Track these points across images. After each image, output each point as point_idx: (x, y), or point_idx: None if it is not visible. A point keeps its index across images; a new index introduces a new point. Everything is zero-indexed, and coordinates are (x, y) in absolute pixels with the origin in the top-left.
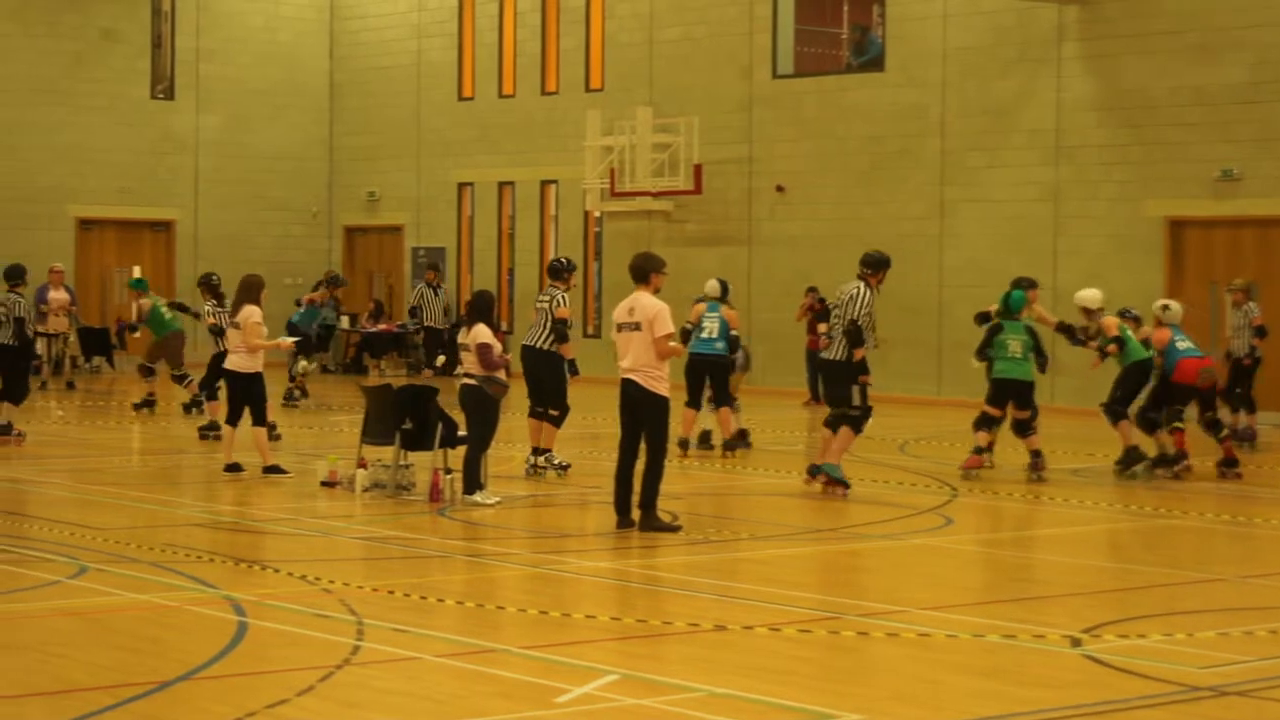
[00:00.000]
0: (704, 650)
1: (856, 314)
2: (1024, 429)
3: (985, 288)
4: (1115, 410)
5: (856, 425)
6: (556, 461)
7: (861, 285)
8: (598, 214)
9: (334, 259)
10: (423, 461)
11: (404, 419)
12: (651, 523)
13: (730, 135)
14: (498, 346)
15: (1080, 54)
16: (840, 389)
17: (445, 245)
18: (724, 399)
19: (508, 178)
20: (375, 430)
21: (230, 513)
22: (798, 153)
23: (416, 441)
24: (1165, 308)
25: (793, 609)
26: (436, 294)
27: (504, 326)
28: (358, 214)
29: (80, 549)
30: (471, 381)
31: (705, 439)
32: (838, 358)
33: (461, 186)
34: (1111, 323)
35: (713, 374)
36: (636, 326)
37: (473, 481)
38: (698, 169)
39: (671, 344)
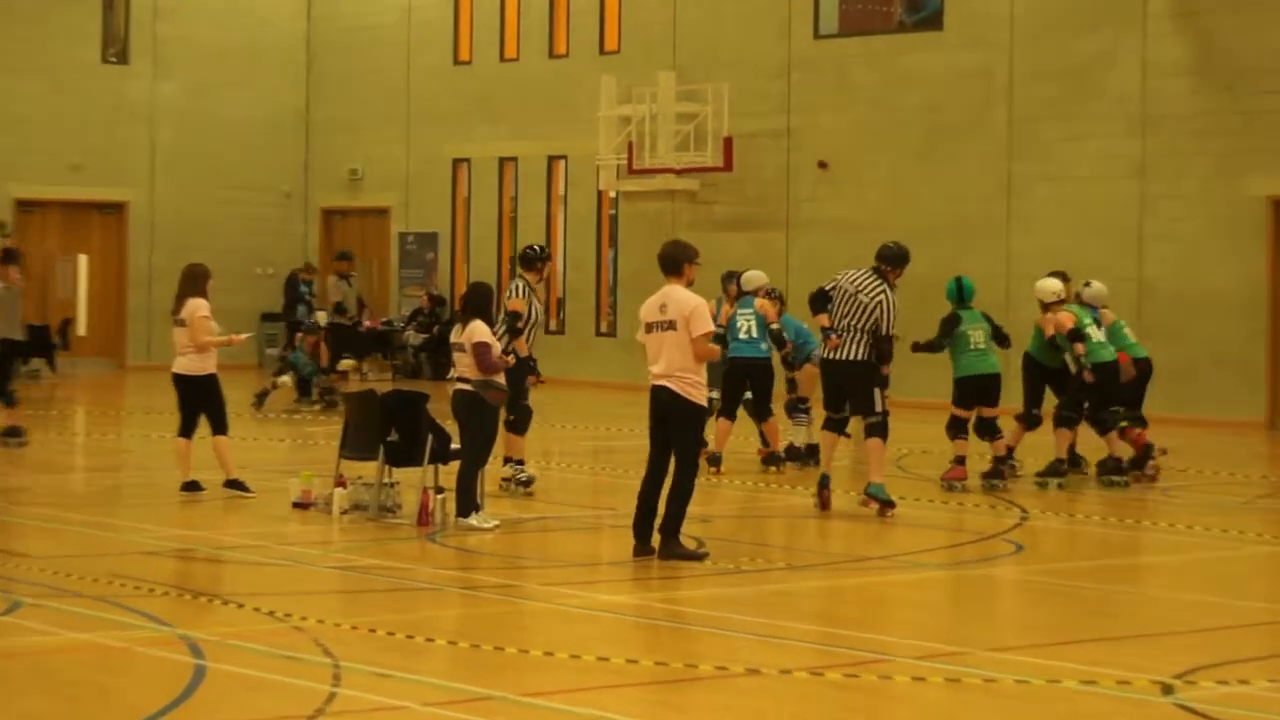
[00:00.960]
0: (735, 698)
1: (889, 324)
2: (991, 430)
3: None
4: (1065, 418)
5: (884, 433)
6: (523, 476)
7: (883, 285)
8: (613, 194)
9: (310, 245)
10: (410, 479)
11: (389, 430)
12: (674, 550)
13: (765, 104)
14: (497, 346)
15: (1169, 10)
16: (863, 393)
17: (438, 230)
18: (767, 409)
19: (510, 153)
20: (355, 443)
21: (187, 538)
22: (843, 124)
23: (403, 456)
24: (1087, 285)
25: (837, 649)
26: (351, 286)
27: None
28: (338, 194)
29: (12, 581)
30: (467, 387)
31: (715, 460)
32: (855, 357)
33: (457, 163)
34: (1067, 318)
35: (755, 380)
36: (670, 325)
37: (468, 502)
38: (728, 143)
39: (711, 345)
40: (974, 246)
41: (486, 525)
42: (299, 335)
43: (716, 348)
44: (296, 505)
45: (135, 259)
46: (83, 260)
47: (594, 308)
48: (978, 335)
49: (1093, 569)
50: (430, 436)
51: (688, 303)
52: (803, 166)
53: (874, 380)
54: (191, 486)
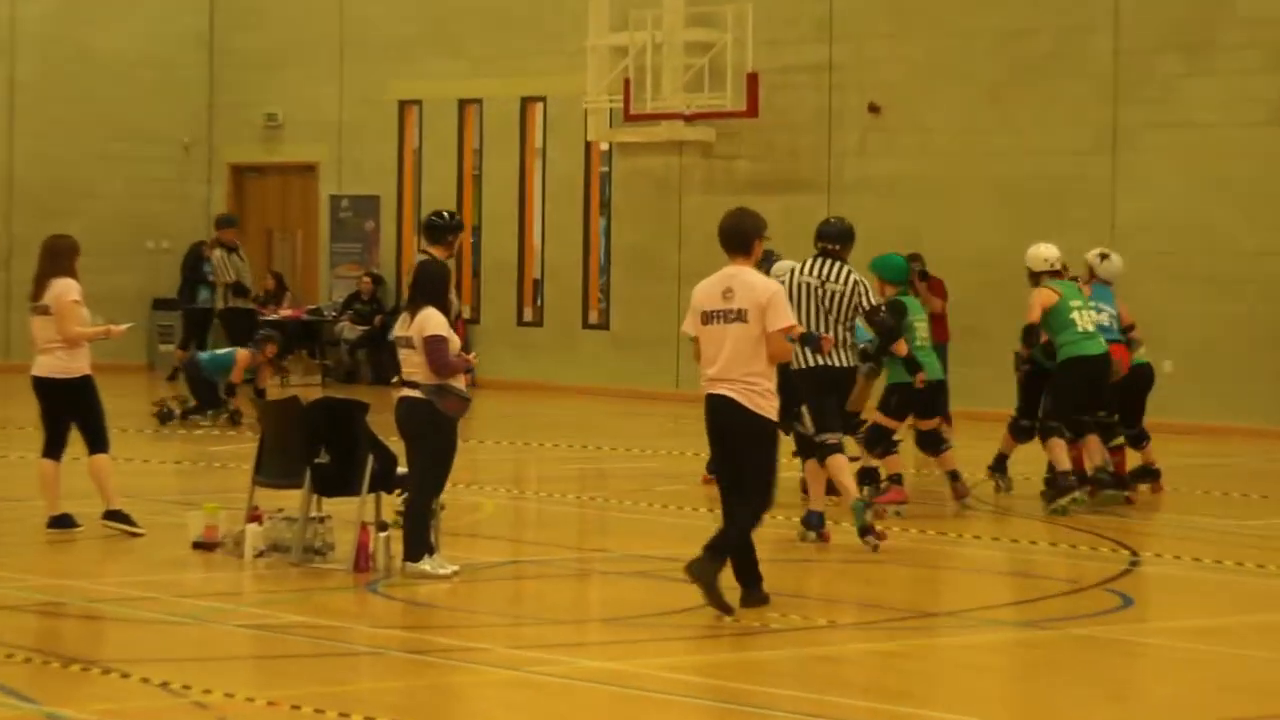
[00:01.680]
0: None
1: (872, 297)
2: (937, 444)
3: (1177, 254)
4: (1049, 428)
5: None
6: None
7: (848, 266)
8: (605, 147)
9: (215, 211)
10: (345, 513)
11: (317, 450)
12: (711, 575)
13: (800, 31)
14: (455, 342)
15: None
16: (843, 405)
17: (379, 192)
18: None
19: (472, 93)
20: (274, 466)
21: (55, 589)
22: (900, 56)
23: (335, 483)
24: (1103, 258)
25: None
26: (243, 260)
27: (465, 312)
28: (251, 147)
29: None
30: (416, 394)
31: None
32: (842, 363)
33: (404, 106)
34: (1044, 296)
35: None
36: (738, 316)
37: (419, 542)
38: (752, 81)
39: (788, 343)
40: (1067, 213)
41: (442, 571)
42: (251, 352)
43: (792, 348)
44: (198, 546)
45: None
46: None
47: (580, 293)
48: (923, 329)
49: (1221, 628)
50: (370, 458)
51: (763, 288)
52: (849, 111)
53: (847, 390)
54: (62, 522)
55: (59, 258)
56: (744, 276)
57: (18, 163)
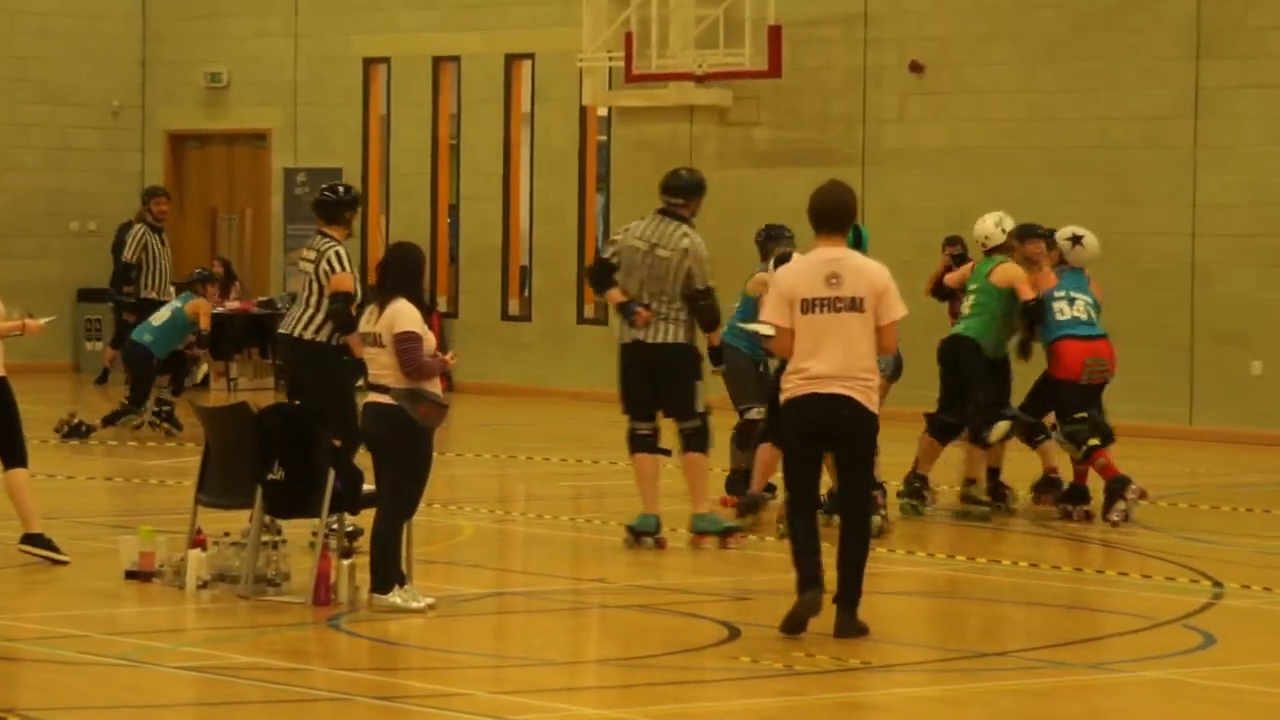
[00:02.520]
0: None
1: (703, 276)
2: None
3: (1268, 236)
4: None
5: (706, 444)
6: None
7: (684, 227)
8: (603, 111)
9: (149, 186)
10: (302, 537)
11: (270, 464)
12: (856, 625)
13: None
14: (431, 340)
15: None
16: (680, 388)
17: (342, 165)
18: None
19: (449, 49)
20: (220, 483)
21: None
22: (946, 7)
23: (292, 502)
24: (1076, 240)
25: None
26: (164, 243)
27: (441, 305)
28: (191, 111)
29: None
30: (385, 400)
31: (753, 505)
32: (670, 339)
33: (370, 65)
34: (1011, 275)
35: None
36: (853, 305)
37: (389, 571)
38: (774, 35)
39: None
40: (1144, 187)
41: (415, 604)
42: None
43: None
44: (132, 575)
45: None
46: None
47: (574, 282)
48: None
49: None
50: (332, 473)
51: (878, 273)
52: (887, 70)
53: (694, 370)
54: None
55: None
56: (852, 260)
57: None
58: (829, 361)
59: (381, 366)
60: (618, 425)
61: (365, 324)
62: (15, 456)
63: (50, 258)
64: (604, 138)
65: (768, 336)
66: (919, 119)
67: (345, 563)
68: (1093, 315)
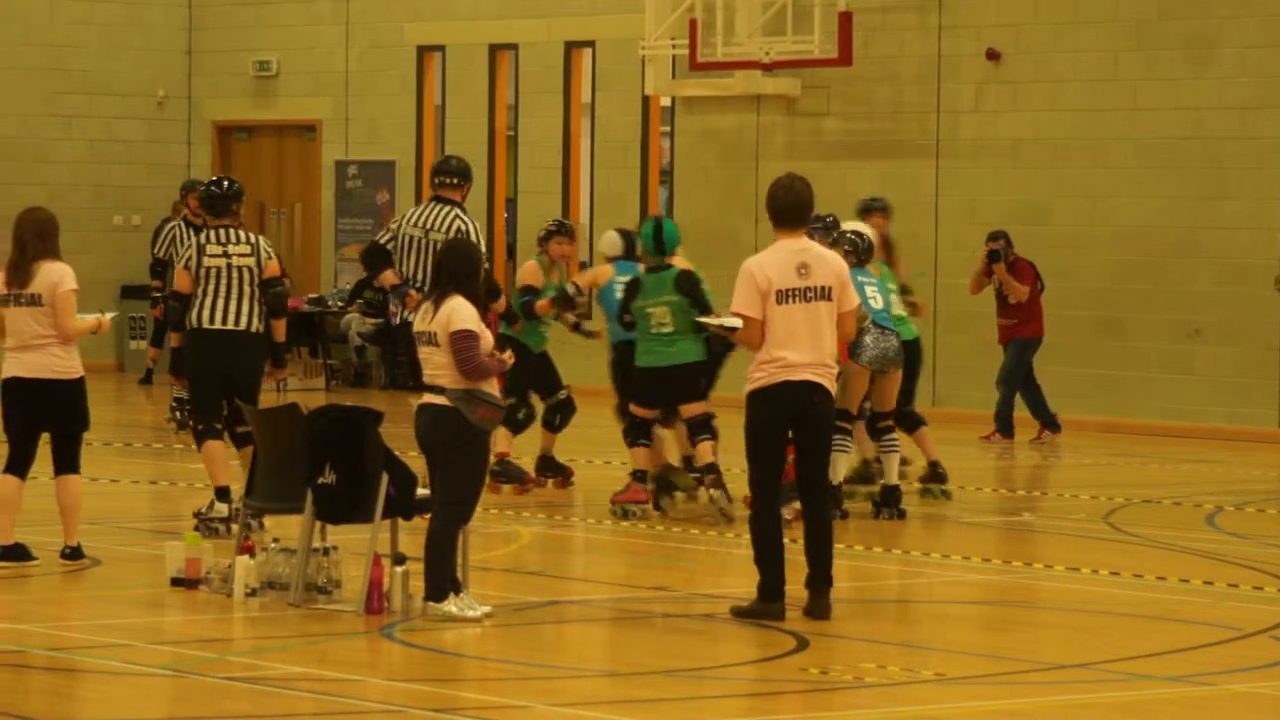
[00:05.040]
0: None
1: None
2: (698, 430)
3: None
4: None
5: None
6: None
7: (456, 211)
8: (666, 101)
9: (197, 178)
10: (354, 543)
11: (320, 468)
12: (826, 607)
13: None
14: (488, 338)
15: None
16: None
17: (395, 157)
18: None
19: (506, 38)
20: (270, 489)
21: (8, 634)
22: None
23: (343, 508)
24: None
25: None
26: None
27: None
28: (238, 102)
29: None
30: (441, 401)
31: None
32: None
33: (424, 53)
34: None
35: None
36: (824, 294)
37: (443, 579)
38: (845, 21)
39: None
40: (1233, 180)
41: (471, 613)
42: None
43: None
44: (178, 583)
45: None
46: None
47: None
48: (661, 312)
49: None
50: (385, 478)
51: (838, 262)
52: (963, 58)
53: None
54: (14, 554)
55: (47, 237)
56: (816, 250)
57: None
58: (801, 350)
59: (436, 366)
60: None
61: (420, 322)
62: (74, 461)
63: (93, 253)
64: (667, 129)
65: (733, 329)
66: (996, 109)
67: (399, 570)
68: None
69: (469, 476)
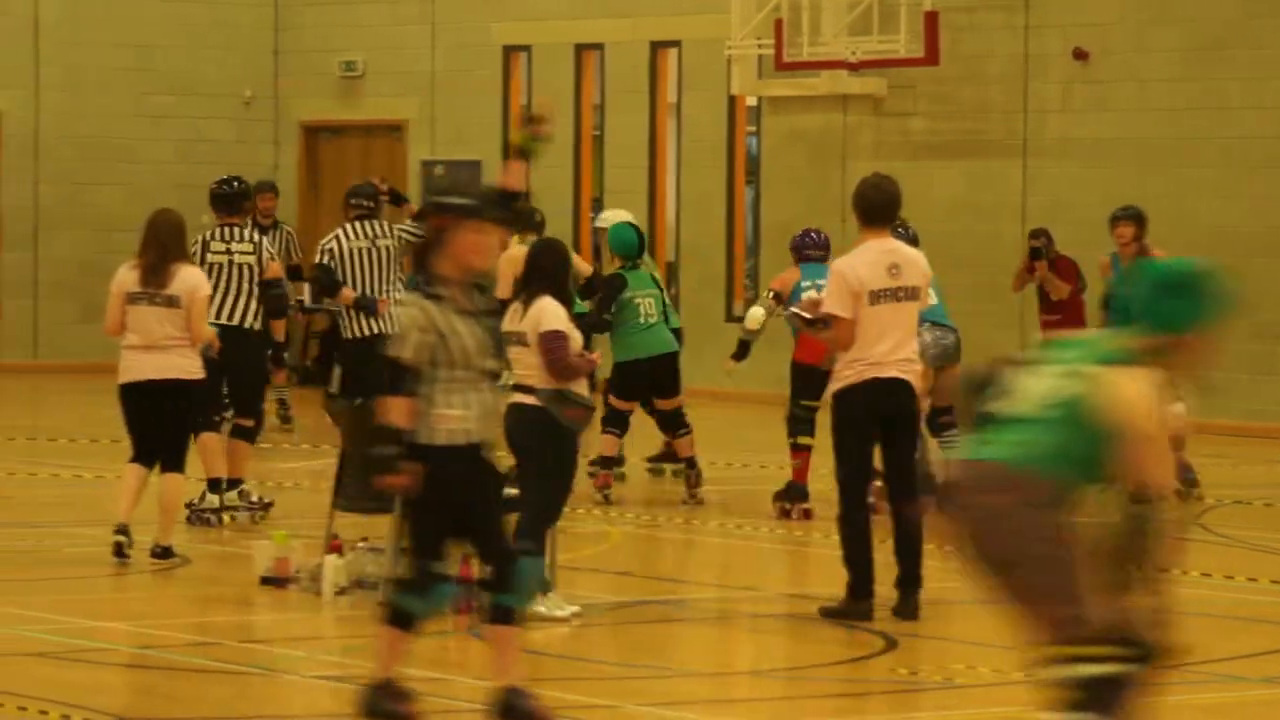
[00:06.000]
0: None
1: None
2: (676, 423)
3: None
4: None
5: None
6: (255, 499)
7: (382, 221)
8: (753, 101)
9: (283, 178)
10: None
11: None
12: (915, 608)
13: None
14: (577, 339)
15: None
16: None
17: (481, 157)
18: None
19: (592, 37)
20: (358, 488)
21: (98, 632)
22: None
23: None
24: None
25: None
26: (276, 238)
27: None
28: (325, 102)
29: None
30: (530, 400)
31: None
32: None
33: (510, 53)
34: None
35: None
36: (911, 294)
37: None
38: (932, 21)
39: None
40: None
41: (559, 613)
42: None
43: None
44: (267, 581)
45: (11, 200)
46: None
47: (723, 279)
48: (648, 303)
49: None
50: None
51: (925, 264)
52: (1050, 58)
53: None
54: (123, 535)
55: (181, 239)
56: (905, 251)
57: (43, 121)
58: (889, 348)
59: (526, 367)
60: (767, 426)
61: (509, 323)
62: (182, 460)
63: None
64: (753, 129)
65: (824, 326)
66: (1083, 108)
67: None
68: None
69: (558, 476)
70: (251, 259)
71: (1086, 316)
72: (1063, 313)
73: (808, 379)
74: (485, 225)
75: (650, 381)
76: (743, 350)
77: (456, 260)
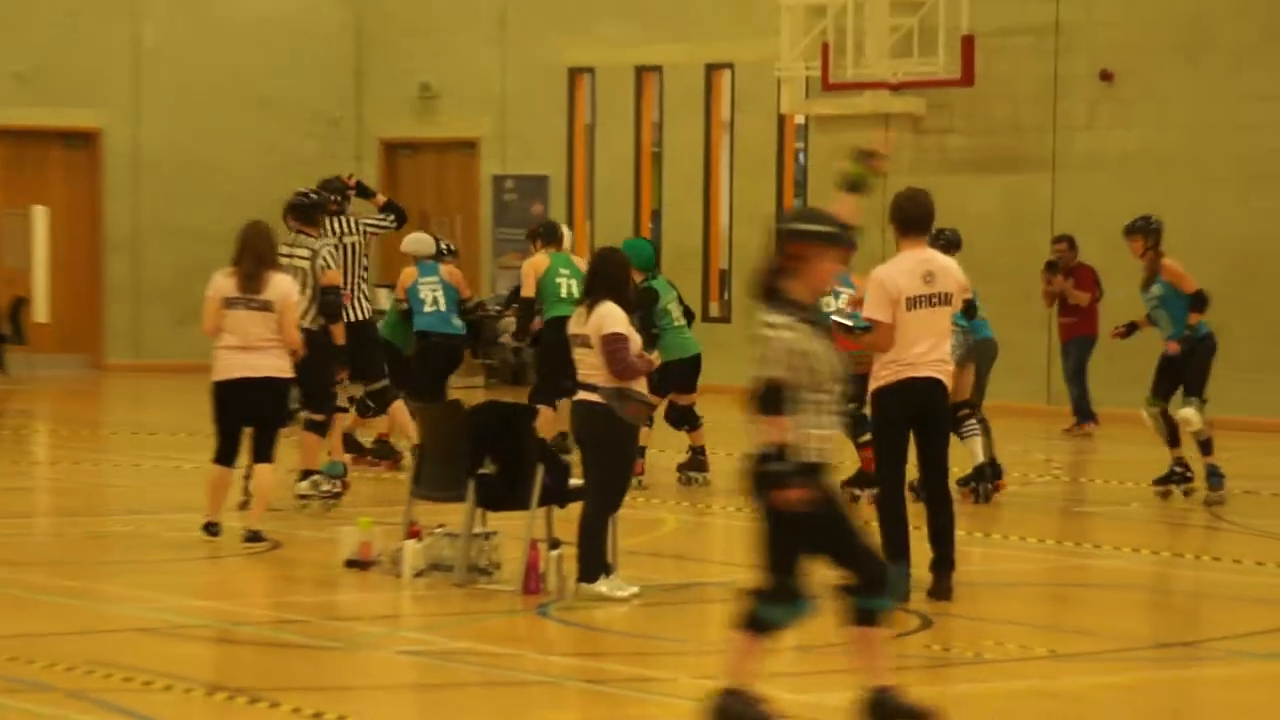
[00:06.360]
0: None
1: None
2: (692, 419)
3: None
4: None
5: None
6: (324, 489)
7: (305, 238)
8: (800, 119)
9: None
10: (513, 529)
11: (481, 459)
12: (949, 589)
13: None
14: (637, 341)
15: None
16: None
17: (548, 172)
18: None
19: (651, 60)
20: (435, 478)
21: (196, 610)
22: (1135, 17)
23: (502, 496)
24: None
25: None
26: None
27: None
28: (404, 121)
29: None
30: (593, 398)
31: None
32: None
33: (575, 75)
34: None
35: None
36: (945, 300)
37: (595, 561)
38: (968, 44)
39: None
40: None
41: (621, 593)
42: None
43: None
44: (351, 564)
45: (115, 212)
46: (39, 214)
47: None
48: (677, 310)
49: None
50: (540, 468)
51: (960, 272)
52: (1077, 78)
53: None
54: (210, 530)
55: (271, 248)
56: (940, 260)
57: (143, 140)
58: (925, 350)
59: (589, 366)
60: None
61: (574, 325)
62: (272, 451)
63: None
64: (801, 144)
65: (864, 330)
66: (1108, 125)
67: (554, 553)
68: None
69: (619, 467)
70: (305, 264)
71: (1099, 322)
72: (1078, 315)
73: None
74: (842, 253)
75: (678, 379)
76: None
77: (812, 285)
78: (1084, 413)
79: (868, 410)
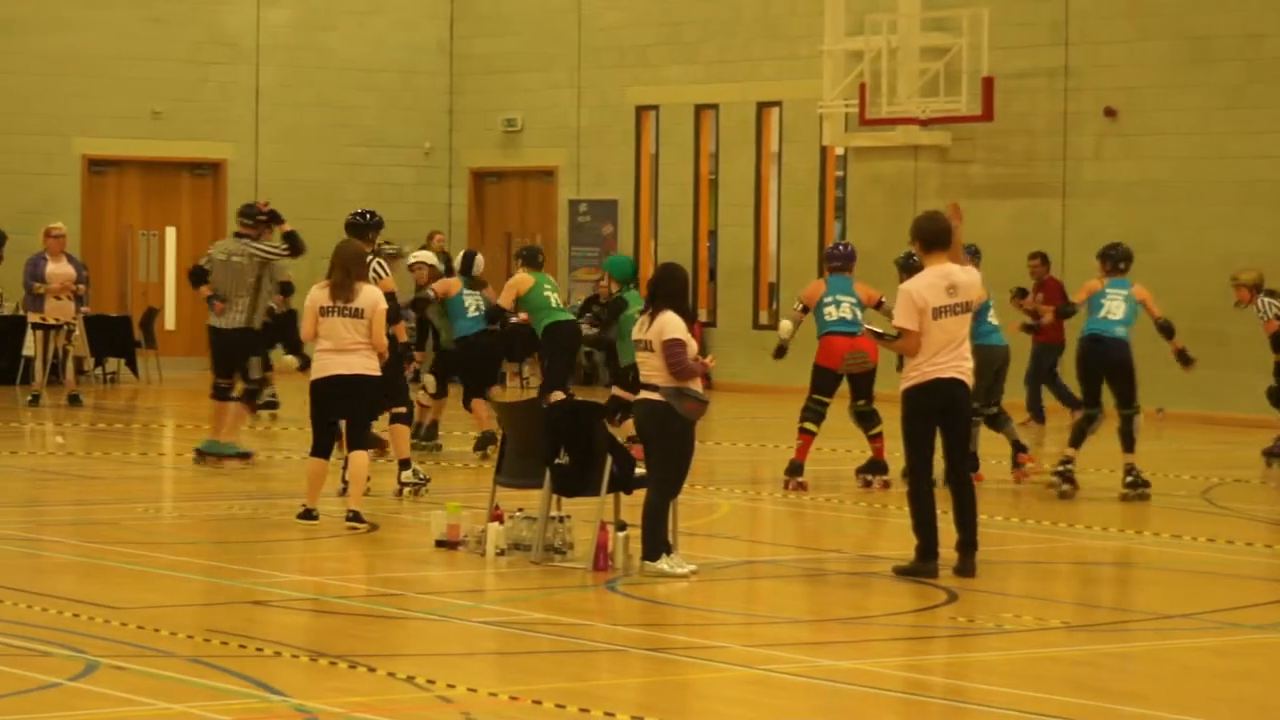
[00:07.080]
0: None
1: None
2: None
3: None
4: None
5: (251, 400)
6: (421, 475)
7: (250, 243)
8: (840, 151)
9: (456, 217)
10: (584, 513)
11: (556, 451)
12: (973, 567)
13: (1036, 34)
14: (694, 345)
15: None
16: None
17: (618, 196)
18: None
19: (709, 99)
20: (515, 468)
21: (304, 585)
22: (1137, 59)
23: (575, 483)
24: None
25: None
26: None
27: (702, 316)
28: (490, 152)
29: (88, 637)
30: (655, 397)
31: None
32: (238, 325)
33: (641, 112)
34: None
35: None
36: (966, 308)
37: (657, 542)
38: (988, 85)
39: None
40: None
41: (680, 571)
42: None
43: None
44: (441, 544)
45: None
46: (170, 234)
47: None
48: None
49: None
50: (609, 459)
51: (979, 282)
52: (1085, 115)
53: (251, 348)
54: (308, 516)
55: (362, 264)
56: (960, 274)
57: (262, 169)
58: (949, 353)
59: (651, 369)
60: (843, 417)
61: (637, 332)
62: (363, 438)
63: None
64: (840, 173)
65: (894, 338)
66: (1113, 157)
67: (621, 535)
68: (857, 315)
69: (678, 458)
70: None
71: (1064, 329)
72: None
73: (823, 379)
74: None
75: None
76: (780, 352)
77: None
78: (1036, 411)
79: (876, 406)
